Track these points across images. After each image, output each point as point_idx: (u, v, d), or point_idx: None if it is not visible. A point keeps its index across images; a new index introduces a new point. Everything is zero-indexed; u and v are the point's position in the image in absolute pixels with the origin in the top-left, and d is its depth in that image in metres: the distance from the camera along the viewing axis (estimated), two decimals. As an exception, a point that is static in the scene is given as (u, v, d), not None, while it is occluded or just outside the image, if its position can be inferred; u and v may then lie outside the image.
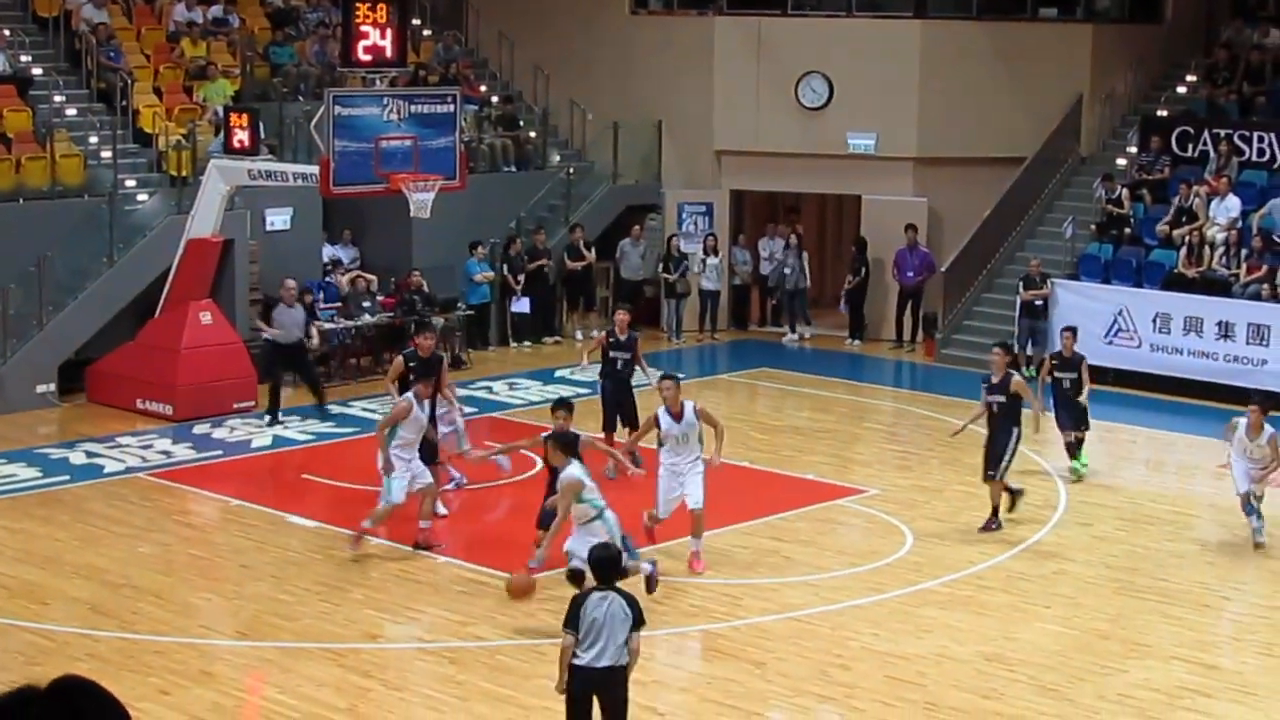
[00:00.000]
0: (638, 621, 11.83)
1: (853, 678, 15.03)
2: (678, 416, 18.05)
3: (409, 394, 18.75)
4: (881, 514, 20.48)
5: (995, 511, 19.76)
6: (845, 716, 14.28)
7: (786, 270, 32.90)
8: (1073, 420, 22.58)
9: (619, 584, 12.05)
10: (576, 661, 11.85)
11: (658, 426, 18.31)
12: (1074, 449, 22.58)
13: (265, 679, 15.14)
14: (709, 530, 18.69)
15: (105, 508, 20.57)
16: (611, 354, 22.25)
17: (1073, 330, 23.59)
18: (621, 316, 22.74)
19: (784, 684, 14.93)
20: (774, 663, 15.41)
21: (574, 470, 15.93)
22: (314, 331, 25.81)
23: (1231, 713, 14.47)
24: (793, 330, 33.00)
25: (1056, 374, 22.73)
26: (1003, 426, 19.83)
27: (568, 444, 16.53)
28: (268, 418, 24.72)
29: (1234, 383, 26.59)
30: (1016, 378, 20.07)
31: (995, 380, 19.90)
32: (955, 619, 16.64)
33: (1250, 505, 19.28)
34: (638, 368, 22.10)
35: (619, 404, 22.16)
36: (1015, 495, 20.09)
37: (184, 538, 19.61)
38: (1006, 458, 19.68)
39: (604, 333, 23.33)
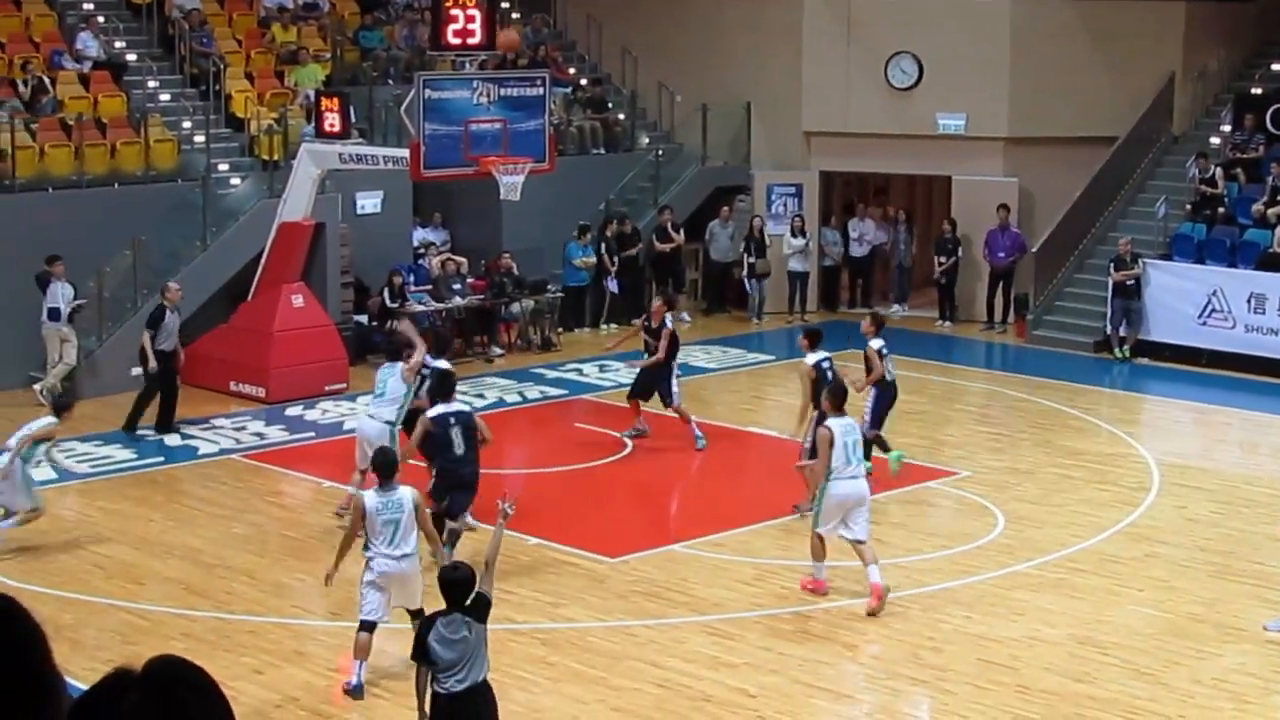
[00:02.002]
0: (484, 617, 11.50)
1: (944, 660, 14.95)
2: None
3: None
4: (973, 496, 20.35)
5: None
6: (936, 699, 14.21)
7: (900, 245, 33.20)
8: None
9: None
10: (438, 689, 11.47)
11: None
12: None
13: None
14: (786, 516, 18.66)
15: (199, 489, 20.73)
16: (646, 340, 22.64)
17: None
18: (657, 305, 23.03)
19: (875, 666, 14.87)
20: (865, 645, 15.36)
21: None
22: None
23: (1329, 697, 14.29)
24: (899, 303, 33.10)
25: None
26: None
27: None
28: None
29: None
30: None
31: None
32: (1047, 601, 16.51)
33: None
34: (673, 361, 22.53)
35: (654, 384, 22.44)
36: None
37: (277, 518, 19.74)
38: None
39: (641, 319, 23.65)
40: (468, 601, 11.49)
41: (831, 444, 16.19)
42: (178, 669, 3.30)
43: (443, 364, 18.90)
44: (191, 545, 18.29)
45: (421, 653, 11.49)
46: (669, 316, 22.82)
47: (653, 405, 22.52)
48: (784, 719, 13.67)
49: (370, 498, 14.18)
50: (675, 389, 22.34)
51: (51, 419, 18.26)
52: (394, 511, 14.04)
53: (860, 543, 16.23)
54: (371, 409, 18.69)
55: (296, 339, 25.42)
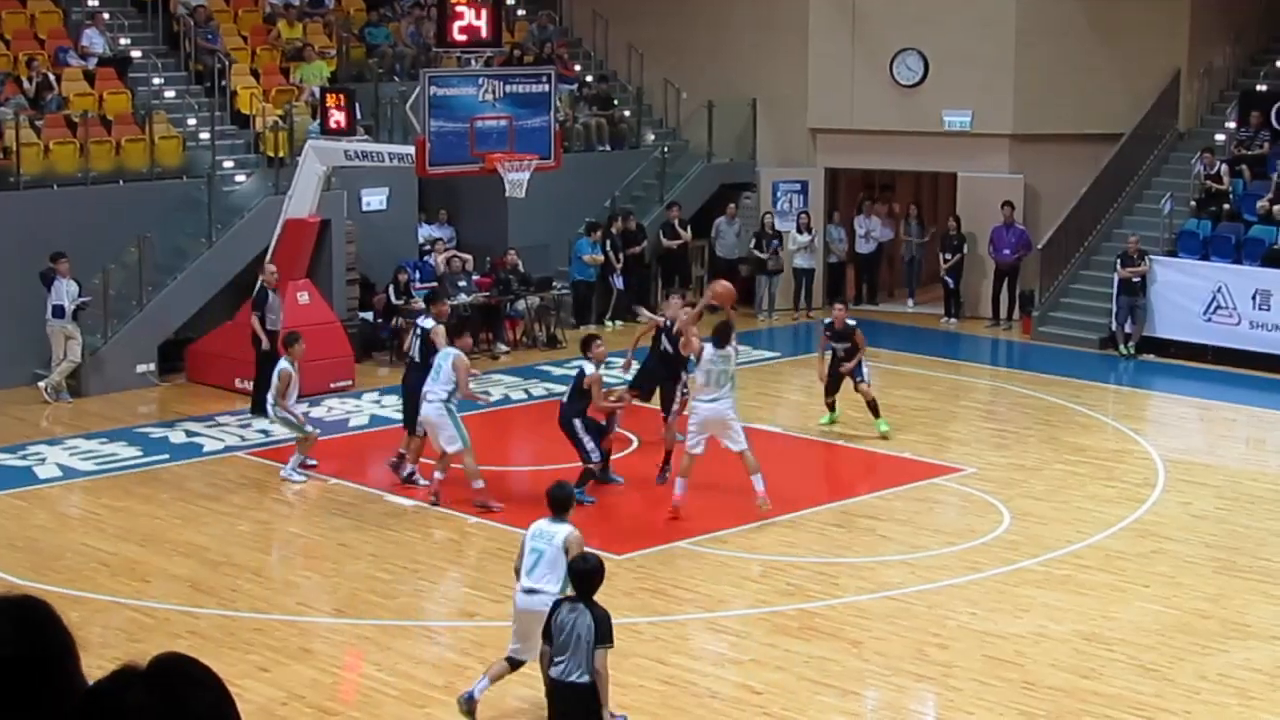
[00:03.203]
0: (601, 639, 11.44)
1: (950, 657, 14.94)
2: None
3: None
4: (978, 492, 20.35)
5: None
6: (942, 695, 14.21)
7: (912, 240, 33.40)
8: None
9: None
10: (550, 672, 11.65)
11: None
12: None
13: (363, 656, 15.22)
14: (805, 509, 18.66)
15: (205, 486, 20.72)
16: (664, 340, 21.74)
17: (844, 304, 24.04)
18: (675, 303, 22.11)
19: (880, 663, 14.86)
20: (871, 642, 15.35)
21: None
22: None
23: (1335, 694, 14.28)
24: (911, 297, 33.32)
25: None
26: None
27: None
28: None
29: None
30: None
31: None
32: (1053, 598, 16.51)
33: None
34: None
35: (662, 382, 21.75)
36: None
37: (282, 516, 19.74)
38: None
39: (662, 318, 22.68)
40: (593, 594, 11.63)
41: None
42: (183, 666, 3.30)
43: (429, 322, 20.49)
44: (197, 543, 18.29)
45: (544, 631, 11.69)
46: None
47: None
48: (790, 715, 13.66)
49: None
50: (677, 402, 21.38)
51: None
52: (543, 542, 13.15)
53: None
54: (427, 388, 19.35)
55: (302, 335, 25.37)
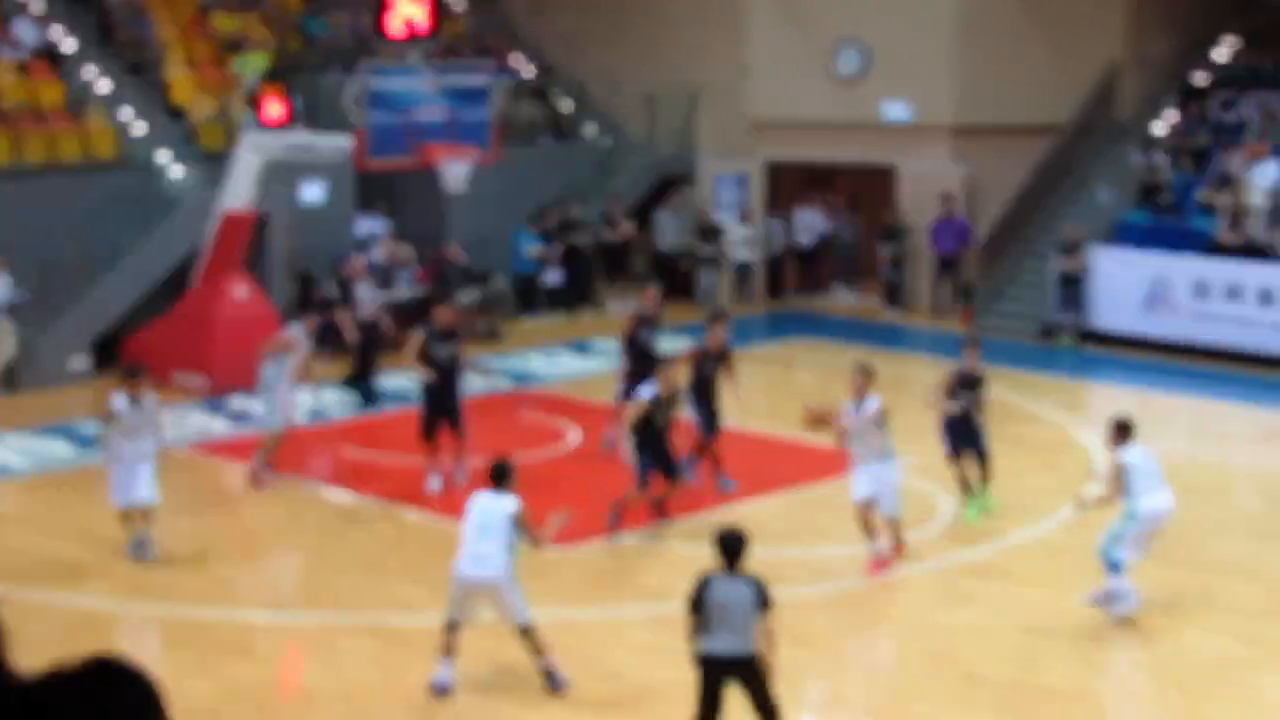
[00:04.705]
0: (764, 604, 11.65)
1: (892, 648, 14.96)
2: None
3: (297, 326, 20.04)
4: (919, 484, 20.37)
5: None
6: (885, 688, 14.22)
7: (845, 230, 33.56)
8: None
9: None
10: (703, 649, 11.72)
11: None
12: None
13: (304, 655, 15.15)
14: (741, 501, 18.70)
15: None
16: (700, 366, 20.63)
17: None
18: (715, 325, 21.12)
19: (825, 656, 14.87)
20: (815, 634, 15.33)
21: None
22: (381, 313, 25.13)
23: (1276, 683, 14.38)
24: (846, 286, 33.50)
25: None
26: None
27: None
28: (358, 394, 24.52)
29: (1275, 350, 26.47)
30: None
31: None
32: (995, 589, 16.55)
33: None
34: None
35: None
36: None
37: (221, 512, 19.64)
38: None
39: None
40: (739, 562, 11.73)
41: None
42: (113, 665, 3.28)
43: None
44: (135, 539, 18.18)
45: (693, 605, 11.67)
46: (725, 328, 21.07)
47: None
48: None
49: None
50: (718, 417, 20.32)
51: None
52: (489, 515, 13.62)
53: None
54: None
55: (240, 329, 25.26)
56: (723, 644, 11.65)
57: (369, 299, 24.83)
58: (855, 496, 17.01)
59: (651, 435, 18.18)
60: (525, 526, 13.62)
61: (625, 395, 20.45)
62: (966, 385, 18.97)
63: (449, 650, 13.71)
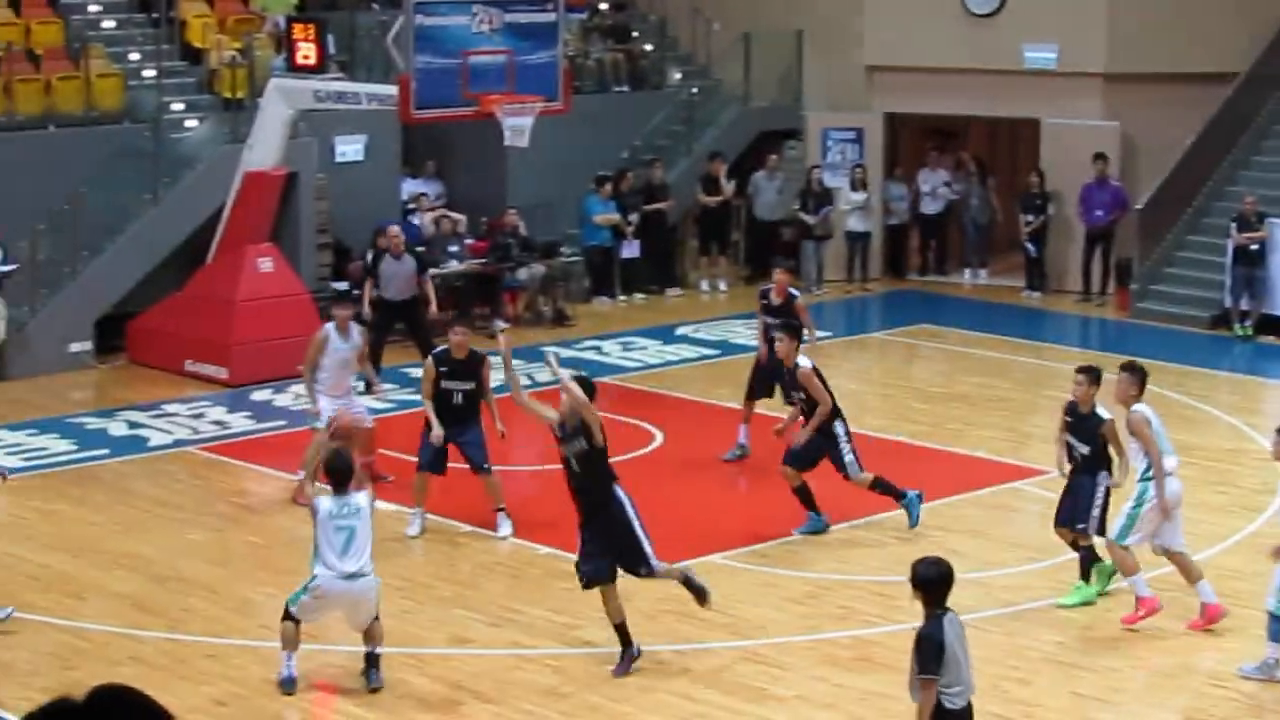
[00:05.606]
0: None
1: (1032, 694, 14.92)
2: None
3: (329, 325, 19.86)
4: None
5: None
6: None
7: (974, 201, 33.05)
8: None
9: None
10: (951, 707, 11.51)
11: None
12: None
13: (336, 689, 15.20)
14: (853, 519, 18.64)
15: (150, 487, 20.74)
16: (767, 324, 21.29)
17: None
18: (781, 276, 21.75)
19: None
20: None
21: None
22: (430, 290, 25.19)
23: None
24: (969, 269, 33.28)
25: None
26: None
27: None
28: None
29: None
30: None
31: None
32: (1154, 624, 16.42)
33: None
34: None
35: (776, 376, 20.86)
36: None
37: (241, 522, 19.75)
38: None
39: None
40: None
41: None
42: (126, 698, 3.29)
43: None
44: (141, 553, 18.30)
45: (931, 661, 11.37)
46: (794, 289, 21.78)
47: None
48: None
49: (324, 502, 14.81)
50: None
51: None
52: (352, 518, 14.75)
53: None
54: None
55: (264, 310, 25.41)
56: (964, 693, 11.54)
57: (403, 274, 24.74)
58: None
59: None
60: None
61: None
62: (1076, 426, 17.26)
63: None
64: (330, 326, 19.78)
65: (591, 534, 15.34)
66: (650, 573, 15.32)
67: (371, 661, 14.93)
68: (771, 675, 15.32)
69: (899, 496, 18.95)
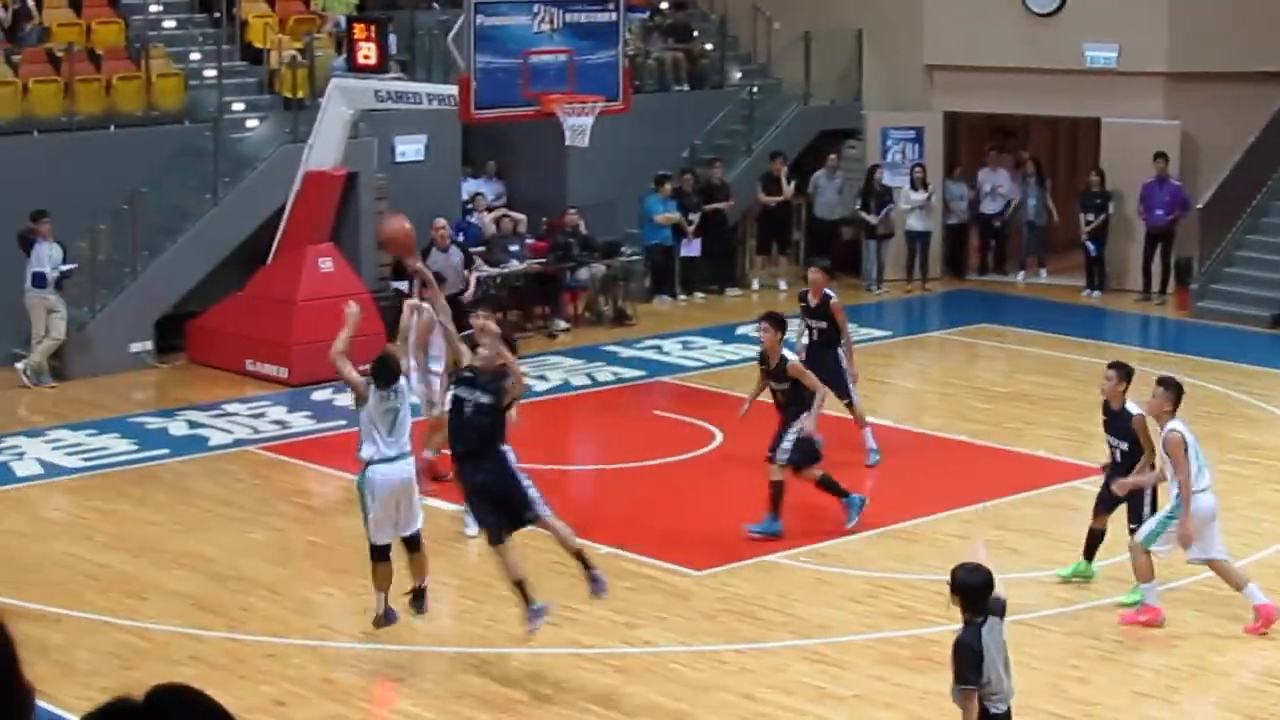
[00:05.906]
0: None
1: (1091, 693, 14.87)
2: None
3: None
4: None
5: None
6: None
7: (1032, 201, 32.95)
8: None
9: None
10: (995, 712, 11.54)
11: None
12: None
13: (395, 688, 15.24)
14: (920, 517, 18.62)
15: (210, 486, 20.82)
16: (808, 325, 21.54)
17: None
18: (815, 276, 21.81)
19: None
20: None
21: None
22: (472, 280, 25.55)
23: None
24: (1024, 270, 33.26)
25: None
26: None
27: None
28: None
29: None
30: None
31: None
32: (1213, 624, 16.37)
33: None
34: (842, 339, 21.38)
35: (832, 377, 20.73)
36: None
37: (302, 522, 19.80)
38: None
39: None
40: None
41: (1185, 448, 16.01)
42: (186, 698, 3.30)
43: None
44: (202, 553, 18.36)
45: (970, 668, 11.45)
46: (829, 290, 21.66)
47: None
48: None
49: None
50: (852, 383, 21.28)
51: None
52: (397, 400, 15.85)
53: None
54: None
55: (324, 310, 25.38)
56: (1005, 698, 11.56)
57: (450, 267, 24.84)
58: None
59: None
60: None
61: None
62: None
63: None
64: (425, 305, 19.93)
65: (473, 489, 15.59)
66: (536, 518, 15.26)
67: (419, 594, 15.75)
68: (831, 675, 15.31)
69: (842, 495, 19.00)
